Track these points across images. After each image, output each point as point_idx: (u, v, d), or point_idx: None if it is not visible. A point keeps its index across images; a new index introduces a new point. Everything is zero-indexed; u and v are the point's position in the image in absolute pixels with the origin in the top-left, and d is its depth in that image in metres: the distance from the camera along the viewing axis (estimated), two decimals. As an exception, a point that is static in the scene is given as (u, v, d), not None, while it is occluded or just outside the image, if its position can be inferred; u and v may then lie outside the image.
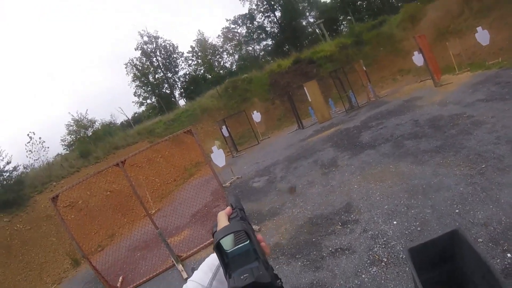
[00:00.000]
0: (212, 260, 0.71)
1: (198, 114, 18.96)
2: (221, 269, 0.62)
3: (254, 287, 0.47)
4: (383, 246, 3.29)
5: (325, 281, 3.20)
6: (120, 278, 5.73)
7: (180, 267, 4.87)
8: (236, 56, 37.42)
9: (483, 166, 4.23)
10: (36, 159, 15.61)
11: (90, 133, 17.56)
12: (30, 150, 15.84)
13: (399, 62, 16.64)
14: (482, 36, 10.58)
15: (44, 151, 16.02)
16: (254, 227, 4.93)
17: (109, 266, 6.34)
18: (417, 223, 3.44)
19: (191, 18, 59.02)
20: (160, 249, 6.00)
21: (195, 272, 0.72)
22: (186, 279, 0.97)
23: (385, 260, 3.07)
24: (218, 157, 8.67)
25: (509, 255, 2.68)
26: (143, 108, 35.50)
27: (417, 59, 11.84)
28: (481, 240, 2.91)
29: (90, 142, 15.66)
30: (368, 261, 3.16)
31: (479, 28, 10.70)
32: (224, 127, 14.08)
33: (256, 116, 15.17)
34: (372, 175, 5.20)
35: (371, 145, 6.82)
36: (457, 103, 7.67)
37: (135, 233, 7.61)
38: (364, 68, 12.96)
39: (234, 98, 19.50)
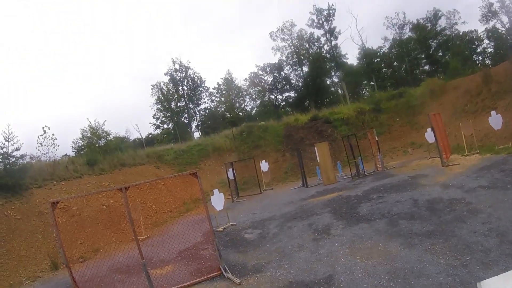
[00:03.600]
0: None
1: (209, 151, 19.45)
2: None
3: None
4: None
5: None
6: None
7: (158, 300, 5.07)
8: (258, 102, 39.06)
9: (468, 258, 4.26)
10: (44, 154, 16.07)
11: (102, 143, 18.23)
12: (40, 143, 16.28)
13: (412, 134, 16.82)
14: (495, 120, 10.88)
15: (54, 147, 16.51)
16: (235, 279, 5.14)
17: (87, 280, 6.41)
18: (391, 307, 3.59)
19: (224, 56, 64.18)
20: (140, 278, 6.00)
21: None
22: None
23: None
24: (218, 200, 8.78)
25: None
26: (158, 131, 36.57)
27: (429, 136, 12.07)
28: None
29: (100, 152, 16.28)
30: None
31: (493, 112, 10.99)
32: (230, 169, 14.53)
33: (264, 166, 15.76)
34: (360, 250, 5.33)
35: (367, 218, 6.91)
36: (459, 187, 7.66)
37: (120, 254, 7.69)
38: (376, 138, 13.24)
39: (247, 142, 20.08)
